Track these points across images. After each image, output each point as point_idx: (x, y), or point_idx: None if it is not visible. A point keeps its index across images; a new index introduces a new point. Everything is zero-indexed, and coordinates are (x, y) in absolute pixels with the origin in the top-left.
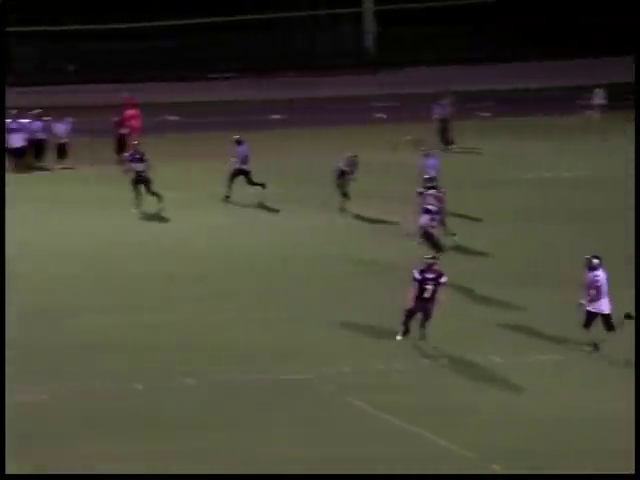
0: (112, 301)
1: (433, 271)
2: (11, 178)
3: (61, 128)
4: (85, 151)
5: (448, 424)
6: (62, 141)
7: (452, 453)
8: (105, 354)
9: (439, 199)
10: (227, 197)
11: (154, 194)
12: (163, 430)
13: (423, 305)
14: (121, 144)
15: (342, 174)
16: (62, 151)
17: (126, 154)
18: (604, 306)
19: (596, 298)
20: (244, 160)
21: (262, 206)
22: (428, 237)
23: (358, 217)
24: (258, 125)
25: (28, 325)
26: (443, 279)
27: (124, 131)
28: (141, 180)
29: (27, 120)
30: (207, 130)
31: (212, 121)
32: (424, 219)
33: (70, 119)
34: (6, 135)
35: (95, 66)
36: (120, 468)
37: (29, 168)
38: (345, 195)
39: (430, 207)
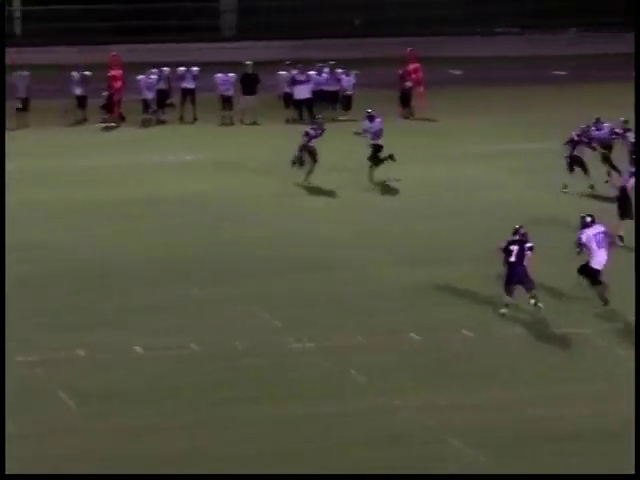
0: None
1: (520, 235)
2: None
3: (347, 81)
4: (370, 103)
5: None
6: (347, 93)
7: None
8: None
9: None
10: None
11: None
12: None
13: (511, 270)
14: (405, 97)
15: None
16: (347, 103)
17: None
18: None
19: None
20: (378, 134)
21: None
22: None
23: None
24: (541, 80)
25: None
26: (529, 244)
27: (408, 84)
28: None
29: (313, 72)
30: (489, 84)
31: (495, 76)
32: None
33: (355, 72)
34: (292, 87)
35: (379, 20)
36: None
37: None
38: None
39: None
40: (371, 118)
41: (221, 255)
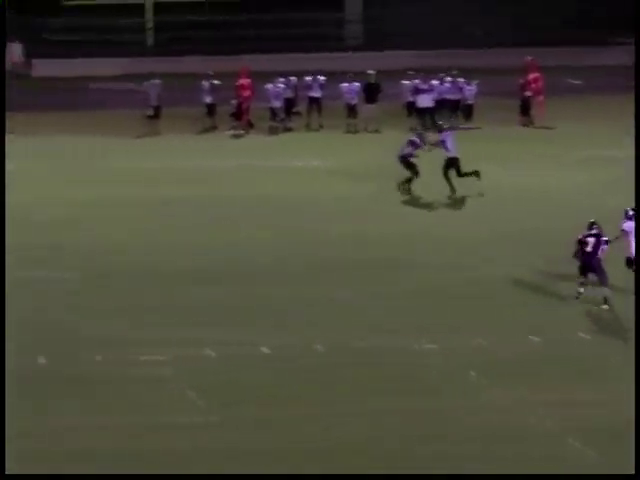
0: None
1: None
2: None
3: (468, 90)
4: (490, 112)
5: None
6: (468, 102)
7: None
8: None
9: None
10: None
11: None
12: None
13: (587, 259)
14: (525, 106)
15: None
16: (468, 112)
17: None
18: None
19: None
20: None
21: None
22: None
23: None
24: None
25: None
26: (604, 237)
27: (528, 93)
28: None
29: (436, 82)
30: (605, 93)
31: (611, 84)
32: None
33: (476, 81)
34: (415, 96)
35: (499, 31)
36: None
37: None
38: None
39: None
40: (442, 132)
41: (337, 254)
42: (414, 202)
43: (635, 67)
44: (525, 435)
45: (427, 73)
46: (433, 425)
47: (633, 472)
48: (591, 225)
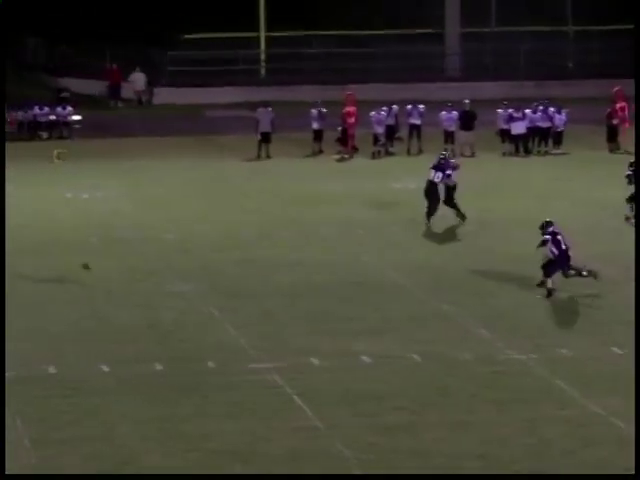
0: None
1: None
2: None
3: (559, 118)
4: (580, 138)
5: None
6: (559, 129)
7: None
8: None
9: None
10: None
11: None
12: None
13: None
14: (612, 133)
15: None
16: (558, 139)
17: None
18: None
19: None
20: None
21: None
22: None
23: None
24: None
25: None
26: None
27: (615, 121)
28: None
29: (529, 110)
30: None
31: None
32: None
33: (566, 109)
34: (509, 123)
35: (590, 63)
36: None
37: (528, 153)
38: None
39: None
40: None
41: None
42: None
43: (635, 67)
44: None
45: (519, 102)
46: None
47: (632, 473)
48: (548, 224)
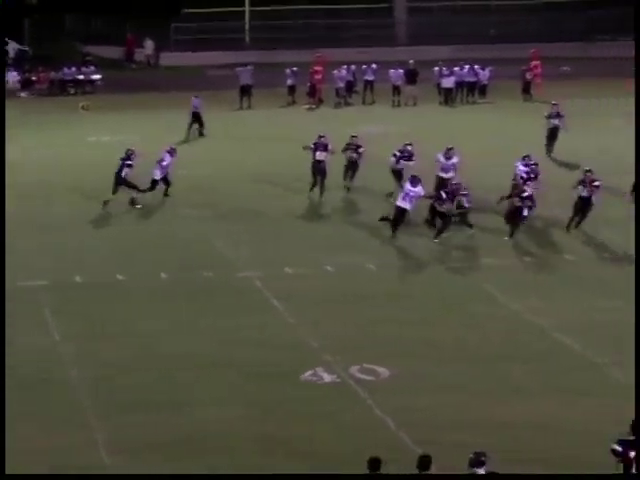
0: None
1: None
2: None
3: (483, 74)
4: (500, 92)
5: None
6: (483, 83)
7: None
8: None
9: None
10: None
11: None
12: None
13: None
14: (526, 86)
15: None
16: (483, 91)
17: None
18: None
19: None
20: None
21: None
22: None
23: None
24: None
25: None
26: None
27: (529, 76)
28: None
29: (457, 68)
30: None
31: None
32: None
33: (490, 67)
34: (440, 79)
35: (509, 31)
36: None
37: (452, 102)
38: None
39: None
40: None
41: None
42: None
43: (635, 66)
44: None
45: (451, 62)
46: None
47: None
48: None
